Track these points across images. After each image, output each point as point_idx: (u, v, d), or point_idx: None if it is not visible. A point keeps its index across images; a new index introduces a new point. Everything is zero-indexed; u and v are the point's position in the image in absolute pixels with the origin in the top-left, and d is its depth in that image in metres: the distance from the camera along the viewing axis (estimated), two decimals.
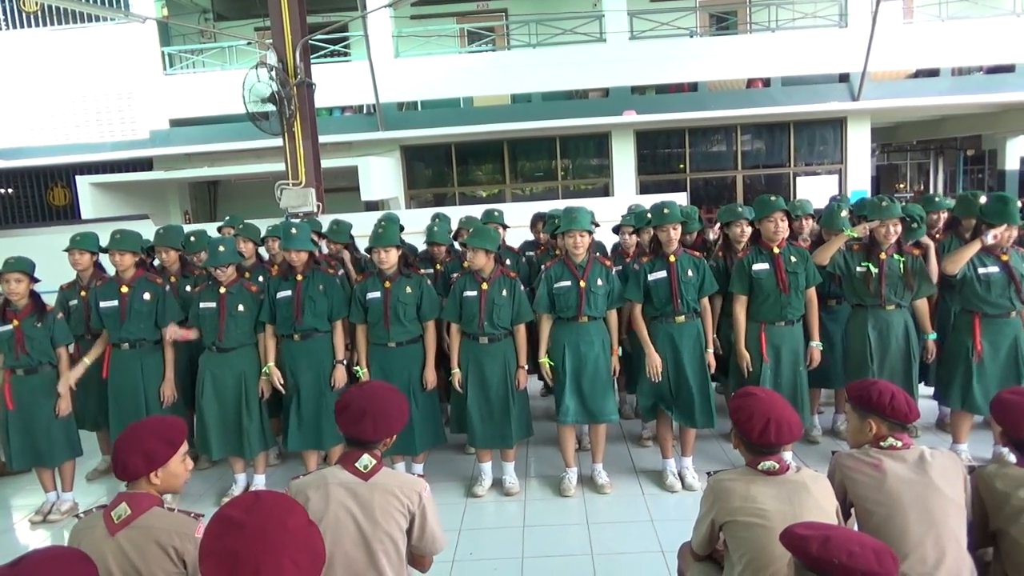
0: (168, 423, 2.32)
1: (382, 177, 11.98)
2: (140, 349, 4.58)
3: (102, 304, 4.54)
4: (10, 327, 4.32)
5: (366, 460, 2.34)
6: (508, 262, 5.17)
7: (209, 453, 4.62)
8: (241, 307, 4.44)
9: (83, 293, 4.84)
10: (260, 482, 4.67)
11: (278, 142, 7.75)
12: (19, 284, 4.29)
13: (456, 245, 5.40)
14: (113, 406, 4.58)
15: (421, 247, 5.61)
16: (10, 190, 13.84)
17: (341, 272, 5.05)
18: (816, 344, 4.49)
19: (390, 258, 4.37)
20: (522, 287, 4.45)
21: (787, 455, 2.42)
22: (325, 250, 5.43)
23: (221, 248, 4.46)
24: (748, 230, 4.69)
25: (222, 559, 1.49)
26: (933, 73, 12.62)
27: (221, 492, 4.74)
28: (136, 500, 2.15)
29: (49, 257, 4.85)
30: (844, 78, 12.33)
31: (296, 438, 4.47)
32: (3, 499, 5.01)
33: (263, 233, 5.37)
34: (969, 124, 14.55)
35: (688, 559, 2.59)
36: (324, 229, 5.63)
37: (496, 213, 5.58)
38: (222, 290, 4.45)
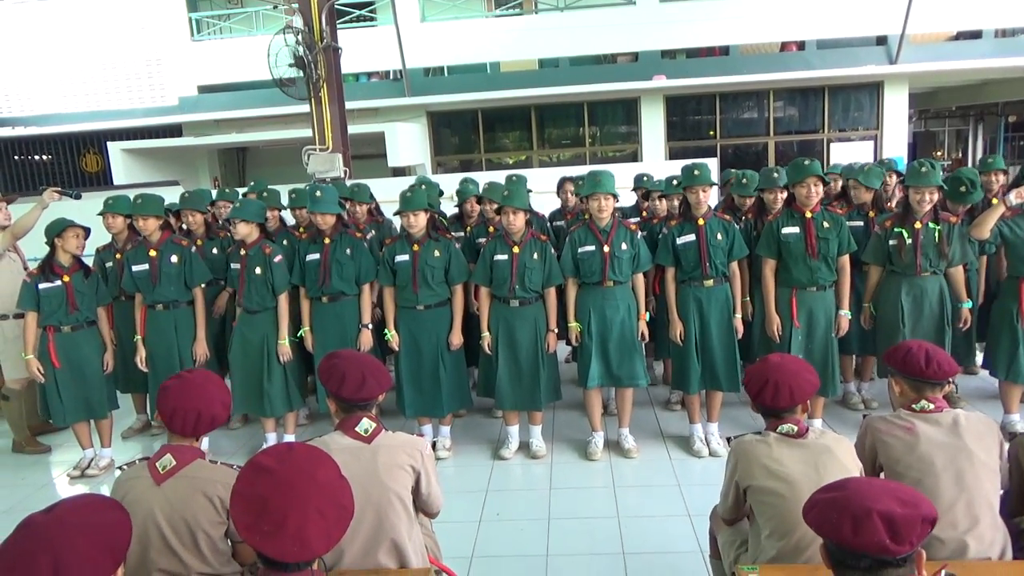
0: (222, 387, 2.35)
1: (409, 143, 11.95)
2: (174, 310, 4.66)
3: (134, 268, 4.61)
4: (60, 283, 4.44)
5: (366, 424, 2.34)
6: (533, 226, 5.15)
7: (237, 410, 4.77)
8: (258, 270, 4.48)
9: (118, 256, 4.92)
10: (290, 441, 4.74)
11: (305, 108, 7.73)
12: (81, 239, 4.48)
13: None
14: (149, 366, 4.67)
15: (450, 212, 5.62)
16: (46, 157, 14.04)
17: (371, 235, 5.06)
18: (844, 313, 4.41)
19: (418, 222, 4.36)
20: (553, 250, 4.42)
21: (816, 422, 2.40)
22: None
23: (237, 203, 4.55)
24: (783, 196, 4.60)
25: (251, 503, 1.51)
26: (975, 35, 12.19)
27: (251, 451, 4.83)
28: (181, 452, 2.20)
29: (83, 221, 4.91)
30: (882, 41, 11.96)
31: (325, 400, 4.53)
32: (42, 455, 5.16)
33: (284, 199, 5.38)
34: (1012, 88, 14.07)
35: (719, 522, 2.59)
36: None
37: (515, 178, 5.51)
38: (242, 252, 4.50)
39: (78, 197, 5.02)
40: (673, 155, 12.58)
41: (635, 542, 3.49)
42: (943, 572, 1.60)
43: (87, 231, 4.54)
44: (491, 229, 5.08)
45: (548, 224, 5.62)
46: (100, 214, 4.82)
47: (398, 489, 2.28)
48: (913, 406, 2.43)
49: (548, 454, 4.57)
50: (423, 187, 4.88)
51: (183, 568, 2.12)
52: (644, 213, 5.38)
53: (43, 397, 4.62)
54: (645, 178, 5.57)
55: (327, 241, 4.53)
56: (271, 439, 4.75)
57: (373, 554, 2.23)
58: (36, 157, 14.08)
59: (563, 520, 3.77)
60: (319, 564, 1.58)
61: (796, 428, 2.29)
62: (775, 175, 4.69)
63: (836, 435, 2.34)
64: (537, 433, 4.61)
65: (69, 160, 13.93)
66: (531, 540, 3.58)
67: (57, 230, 4.43)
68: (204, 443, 4.71)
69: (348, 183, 6.20)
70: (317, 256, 4.53)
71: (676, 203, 4.89)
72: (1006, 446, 2.42)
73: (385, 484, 2.26)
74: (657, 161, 11.97)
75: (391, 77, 13.14)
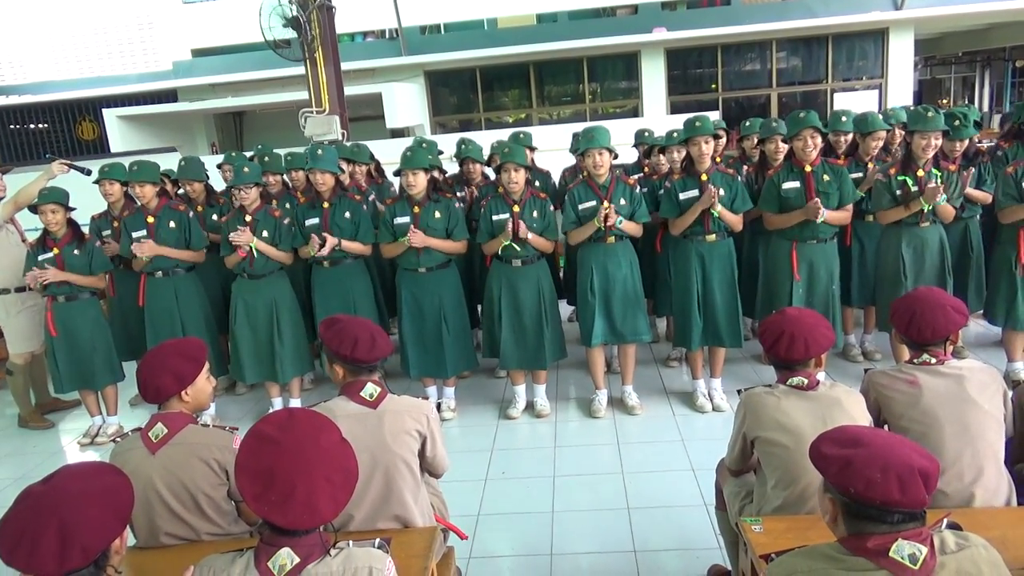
0: (188, 342, 2.37)
1: (407, 104, 11.81)
2: (173, 276, 4.66)
3: (133, 235, 4.59)
4: (51, 255, 4.44)
5: (371, 388, 2.33)
6: (537, 184, 5.10)
7: (243, 378, 4.76)
8: (266, 233, 4.45)
9: (115, 224, 4.90)
10: (296, 406, 4.77)
11: (301, 70, 7.63)
12: (55, 215, 4.42)
13: (490, 171, 5.31)
14: (151, 333, 4.67)
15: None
16: (42, 125, 13.92)
17: (372, 198, 5.01)
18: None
19: (418, 181, 4.29)
20: (552, 207, 4.38)
21: (820, 375, 2.40)
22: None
23: (246, 169, 4.48)
24: (784, 146, 4.54)
25: (257, 475, 1.51)
26: None
27: (258, 416, 4.87)
28: (171, 419, 2.21)
29: (80, 189, 4.89)
30: None
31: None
32: (48, 429, 5.19)
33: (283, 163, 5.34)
34: (1019, 32, 13.79)
35: (725, 474, 2.61)
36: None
37: (522, 135, 5.46)
38: (248, 217, 4.46)
39: (88, 173, 4.94)
40: (675, 109, 12.41)
41: (639, 497, 3.53)
42: (945, 521, 1.60)
43: (65, 207, 4.46)
44: (499, 189, 5.01)
45: (550, 179, 5.54)
46: (96, 182, 4.79)
47: (404, 454, 2.29)
48: (915, 360, 2.42)
49: (552, 413, 4.59)
50: (424, 146, 4.82)
51: (191, 531, 2.15)
52: (646, 169, 5.32)
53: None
54: (646, 133, 5.50)
55: (326, 205, 4.50)
56: (277, 404, 4.78)
57: (380, 518, 2.25)
58: (32, 126, 13.97)
59: (568, 477, 3.80)
60: (326, 526, 1.59)
61: (806, 381, 2.28)
62: (774, 124, 4.65)
63: (847, 388, 2.34)
64: (541, 392, 4.63)
65: (65, 128, 13.82)
66: (537, 497, 3.62)
67: (36, 205, 4.43)
68: (211, 409, 4.77)
69: (347, 144, 6.14)
70: (316, 220, 4.50)
71: (676, 156, 4.76)
72: (1010, 394, 2.41)
73: (392, 449, 2.26)
74: (658, 116, 11.82)
75: (387, 36, 12.94)
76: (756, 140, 5.06)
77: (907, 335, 2.41)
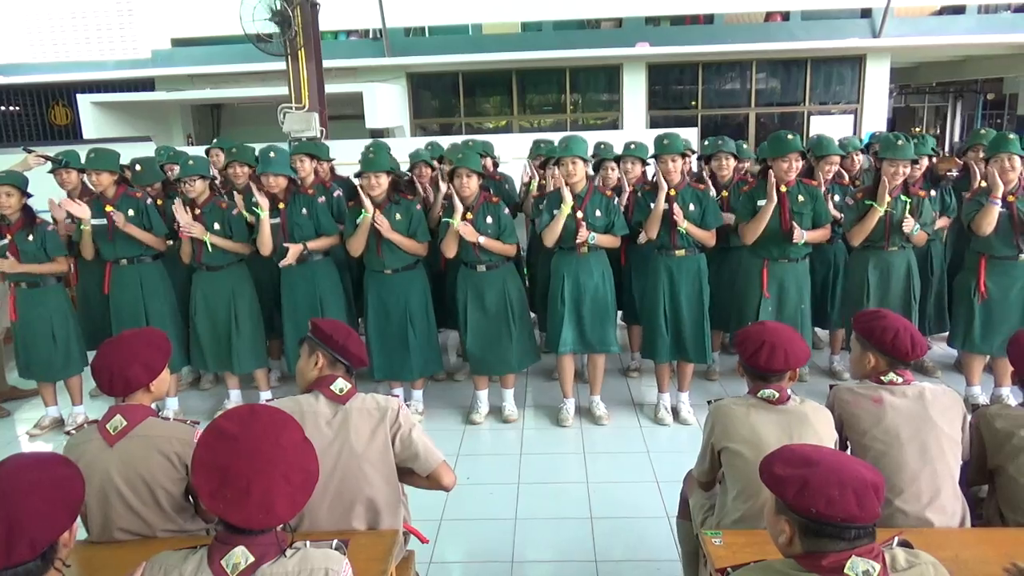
0: (153, 332, 2.33)
1: (387, 105, 11.75)
2: (139, 265, 4.58)
3: (92, 222, 4.48)
4: (3, 241, 4.33)
5: (341, 384, 2.31)
6: (491, 189, 5.06)
7: (205, 368, 4.76)
8: (217, 225, 4.41)
9: None
10: (265, 399, 4.69)
11: (281, 65, 7.57)
12: (9, 198, 4.27)
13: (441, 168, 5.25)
14: (115, 322, 4.56)
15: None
16: (13, 108, 13.61)
17: (337, 193, 4.92)
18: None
19: (381, 184, 4.25)
20: (507, 210, 4.37)
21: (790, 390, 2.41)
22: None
23: (191, 162, 4.43)
24: (729, 164, 4.94)
25: (212, 471, 1.48)
26: (959, 10, 12.19)
27: (214, 408, 4.81)
28: (131, 411, 2.16)
29: (46, 177, 4.79)
30: (866, 13, 11.91)
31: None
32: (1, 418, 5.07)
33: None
34: (991, 66, 14.13)
35: (693, 485, 2.61)
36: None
37: (474, 143, 5.38)
38: (197, 211, 4.41)
39: (65, 165, 4.84)
40: (654, 124, 12.50)
41: (603, 507, 3.53)
42: (895, 539, 1.62)
43: (22, 191, 4.32)
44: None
45: (505, 185, 5.48)
46: (51, 171, 4.70)
47: (371, 450, 2.26)
48: (881, 378, 2.44)
49: (520, 419, 4.59)
50: (384, 149, 4.79)
51: (146, 527, 2.10)
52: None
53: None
54: (602, 146, 5.29)
55: (281, 206, 4.45)
56: (234, 396, 4.76)
57: (343, 515, 2.22)
58: (3, 108, 13.66)
59: (532, 485, 3.79)
60: (283, 526, 1.56)
61: (777, 394, 2.29)
62: (720, 143, 5.06)
63: (816, 404, 2.35)
64: (509, 397, 4.62)
65: (37, 112, 13.52)
66: (500, 504, 3.61)
67: None
68: (174, 403, 4.69)
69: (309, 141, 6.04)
70: (276, 220, 4.42)
71: (630, 168, 4.86)
72: (969, 418, 2.45)
73: (353, 446, 2.24)
74: (638, 130, 11.89)
75: (371, 36, 12.88)
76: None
77: (894, 355, 2.41)
